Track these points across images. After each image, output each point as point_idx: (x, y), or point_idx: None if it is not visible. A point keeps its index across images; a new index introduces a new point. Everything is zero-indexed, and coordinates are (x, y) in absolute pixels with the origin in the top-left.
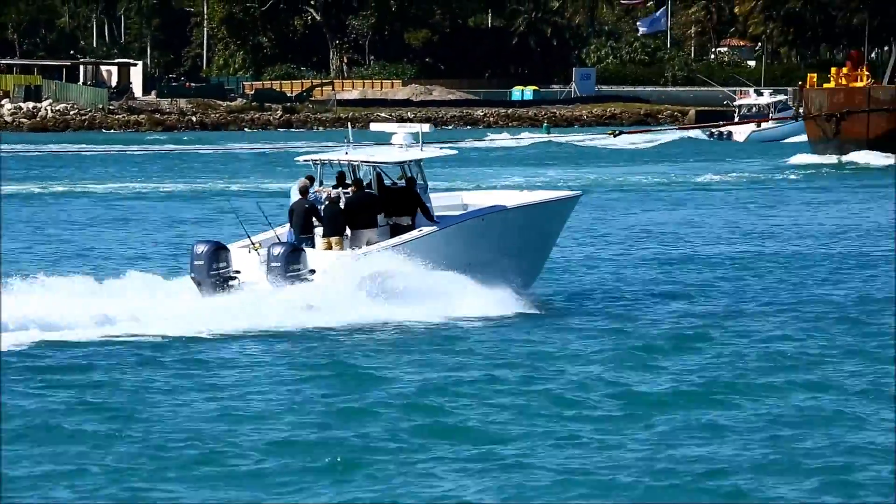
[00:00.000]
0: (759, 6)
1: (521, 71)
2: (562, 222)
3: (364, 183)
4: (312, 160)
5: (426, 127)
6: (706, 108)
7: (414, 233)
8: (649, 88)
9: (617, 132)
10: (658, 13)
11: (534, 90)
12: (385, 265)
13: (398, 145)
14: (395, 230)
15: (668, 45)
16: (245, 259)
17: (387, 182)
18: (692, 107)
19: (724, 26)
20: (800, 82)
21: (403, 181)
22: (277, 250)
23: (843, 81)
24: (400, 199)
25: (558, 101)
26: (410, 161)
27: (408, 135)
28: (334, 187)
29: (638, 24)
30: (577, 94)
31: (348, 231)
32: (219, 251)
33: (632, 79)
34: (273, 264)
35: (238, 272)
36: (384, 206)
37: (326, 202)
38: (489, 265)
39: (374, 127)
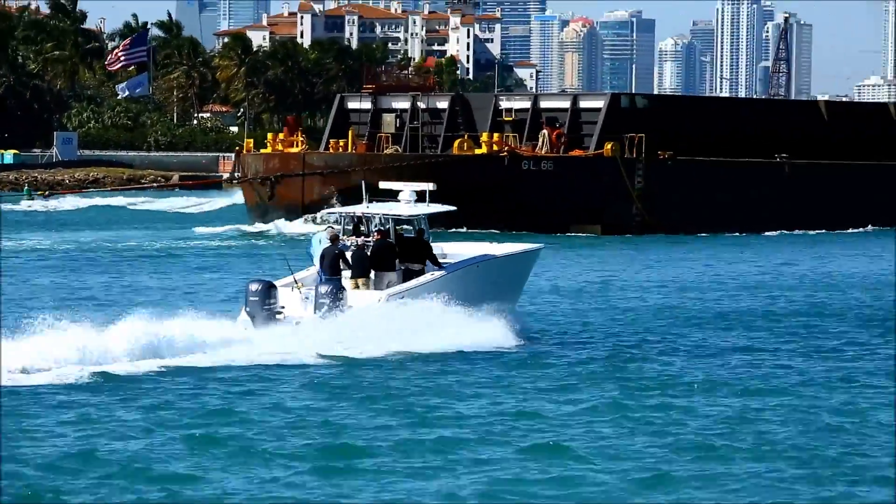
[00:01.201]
0: (240, 73)
1: (1, 134)
2: (531, 268)
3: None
4: (338, 212)
5: (430, 185)
6: (190, 173)
7: (427, 276)
8: (132, 153)
9: (33, 195)
10: (140, 77)
11: (14, 154)
12: (415, 303)
13: (405, 201)
14: (407, 274)
15: (151, 110)
16: (288, 296)
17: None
18: (176, 171)
19: (206, 92)
20: (237, 147)
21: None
22: (325, 289)
23: (280, 147)
24: (411, 247)
25: (39, 166)
26: (420, 215)
27: (412, 192)
28: (351, 234)
29: (119, 87)
30: (58, 159)
31: (372, 273)
32: (270, 289)
33: (115, 143)
34: (321, 300)
35: (283, 307)
36: (398, 253)
37: (354, 248)
38: (482, 302)
39: (382, 185)
